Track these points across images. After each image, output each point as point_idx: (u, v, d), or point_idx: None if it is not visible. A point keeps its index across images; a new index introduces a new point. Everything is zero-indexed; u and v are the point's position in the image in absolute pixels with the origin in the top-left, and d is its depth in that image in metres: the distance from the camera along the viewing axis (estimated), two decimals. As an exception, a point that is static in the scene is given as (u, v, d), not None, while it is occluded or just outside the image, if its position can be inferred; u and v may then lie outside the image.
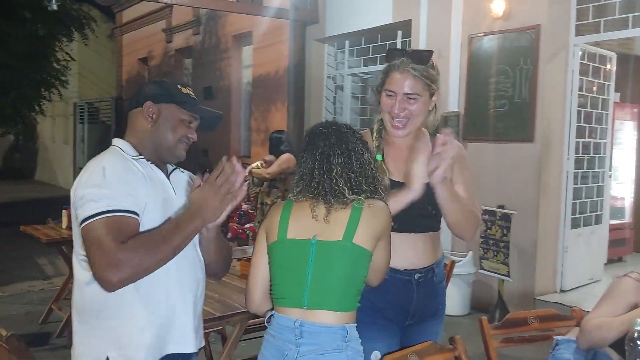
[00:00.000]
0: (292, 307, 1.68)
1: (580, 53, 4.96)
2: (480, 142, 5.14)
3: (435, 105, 1.99)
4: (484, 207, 4.86)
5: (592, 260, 5.39)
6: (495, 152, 5.05)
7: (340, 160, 1.74)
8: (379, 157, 1.95)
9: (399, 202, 1.84)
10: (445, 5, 5.40)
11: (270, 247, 1.74)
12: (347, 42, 7.01)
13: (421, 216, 1.94)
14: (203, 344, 1.80)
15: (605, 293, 2.17)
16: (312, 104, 7.25)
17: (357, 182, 1.73)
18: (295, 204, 1.75)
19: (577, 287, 5.14)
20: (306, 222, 1.70)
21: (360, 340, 1.74)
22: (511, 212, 4.74)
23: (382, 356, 1.86)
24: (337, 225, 1.68)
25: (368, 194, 1.73)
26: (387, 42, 6.41)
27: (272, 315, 1.73)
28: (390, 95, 1.93)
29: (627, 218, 6.52)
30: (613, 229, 6.02)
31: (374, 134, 2.01)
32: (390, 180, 1.92)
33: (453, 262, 3.22)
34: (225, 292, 2.90)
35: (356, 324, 1.74)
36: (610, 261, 5.93)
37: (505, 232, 4.77)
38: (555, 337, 2.26)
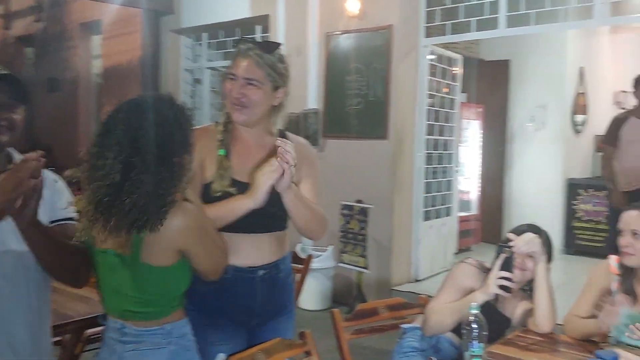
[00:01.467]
0: (112, 315, 1.62)
1: (430, 54, 5.21)
2: (339, 139, 5.22)
3: (281, 103, 1.91)
4: (343, 202, 4.95)
5: (444, 251, 5.71)
6: (353, 149, 5.15)
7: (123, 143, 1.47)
8: (222, 152, 1.84)
9: (238, 209, 1.75)
10: (302, 2, 5.41)
11: (92, 255, 1.62)
12: (204, 35, 6.81)
13: (266, 218, 1.85)
14: None
15: (445, 280, 2.24)
16: (169, 98, 6.93)
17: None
18: None
19: (430, 276, 5.40)
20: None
21: (189, 336, 1.66)
22: (368, 206, 4.86)
23: (227, 357, 1.76)
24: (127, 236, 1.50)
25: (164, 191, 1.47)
26: (246, 37, 6.30)
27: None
28: (231, 79, 1.83)
29: (474, 210, 7.00)
30: (461, 220, 6.42)
31: (220, 127, 1.90)
32: (233, 179, 1.82)
33: (310, 257, 3.19)
34: (61, 300, 2.61)
35: (184, 319, 1.66)
36: (460, 251, 6.31)
37: (363, 225, 4.88)
38: (403, 326, 2.30)
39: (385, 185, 4.99)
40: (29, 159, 1.42)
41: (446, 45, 5.45)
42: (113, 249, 1.53)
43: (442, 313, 2.08)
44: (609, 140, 4.88)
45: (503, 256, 2.00)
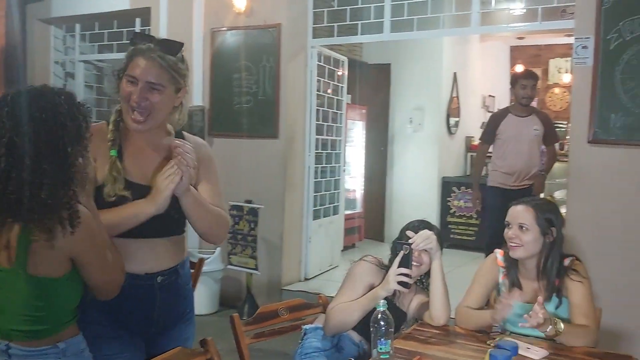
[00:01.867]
0: None
1: (318, 55, 5.27)
2: (226, 138, 5.11)
3: (182, 102, 1.82)
4: (232, 203, 4.85)
5: (331, 248, 5.80)
6: (242, 148, 5.07)
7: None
8: (114, 152, 1.70)
9: (138, 215, 1.64)
10: (187, -4, 5.24)
11: None
12: (77, 26, 6.36)
13: (163, 222, 1.74)
14: None
15: (345, 278, 2.26)
16: (38, 93, 6.39)
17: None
18: None
19: (319, 274, 5.46)
20: None
21: (86, 353, 1.53)
22: (258, 206, 4.81)
23: (124, 372, 1.64)
24: (6, 245, 1.37)
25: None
26: (125, 30, 5.99)
27: None
28: (131, 82, 1.70)
29: (359, 208, 7.20)
30: (347, 218, 6.57)
31: (110, 126, 1.76)
32: (127, 180, 1.69)
33: (202, 260, 3.07)
34: None
35: (79, 335, 1.53)
36: (345, 248, 6.45)
37: (253, 226, 4.82)
38: (304, 327, 2.29)
39: (276, 185, 4.96)
40: None
41: (331, 47, 5.54)
42: None
43: (344, 312, 2.09)
44: (486, 138, 4.84)
45: (402, 253, 2.05)
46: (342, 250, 6.20)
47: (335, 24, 5.09)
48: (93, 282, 1.49)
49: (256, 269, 4.79)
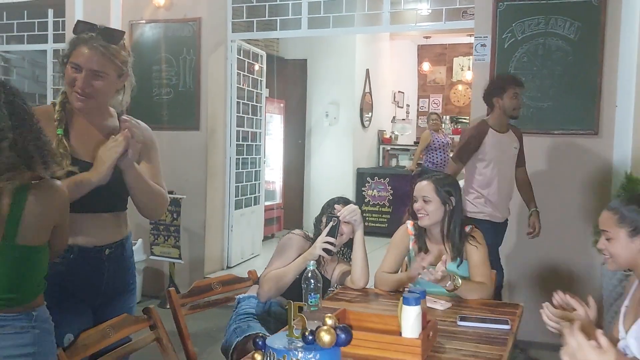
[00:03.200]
0: None
1: (237, 49, 5.41)
2: (147, 130, 5.13)
3: (124, 85, 1.95)
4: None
5: (253, 238, 5.97)
6: (164, 139, 5.05)
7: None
8: (60, 131, 1.81)
9: (83, 185, 1.76)
10: (103, -12, 5.22)
11: None
12: (-15, 16, 6.12)
13: (108, 196, 1.87)
14: None
15: (276, 249, 2.48)
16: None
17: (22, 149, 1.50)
18: None
19: (241, 263, 5.62)
20: None
21: (50, 320, 1.63)
22: (180, 196, 4.89)
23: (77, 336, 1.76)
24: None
25: (39, 166, 1.50)
26: (36, 20, 5.84)
27: None
28: (75, 69, 1.82)
29: (278, 199, 7.41)
30: (267, 209, 6.76)
31: (57, 107, 1.86)
32: (73, 158, 1.81)
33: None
34: None
35: (44, 304, 1.62)
36: (265, 238, 6.64)
37: (175, 216, 4.90)
38: (237, 296, 2.48)
39: (198, 176, 5.07)
40: None
41: (250, 42, 5.71)
42: None
43: (278, 276, 2.30)
44: (464, 158, 3.65)
45: (330, 224, 2.29)
46: (263, 240, 6.38)
47: (254, 19, 5.26)
48: (59, 247, 1.61)
49: (179, 258, 4.88)
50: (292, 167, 7.67)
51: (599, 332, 1.33)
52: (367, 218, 7.58)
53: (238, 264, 5.58)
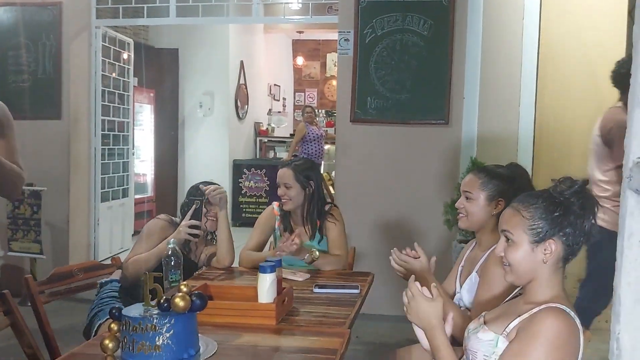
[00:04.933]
0: None
1: (102, 36, 5.21)
2: (2, 118, 4.81)
3: None
4: None
5: (122, 232, 5.80)
6: (21, 128, 4.78)
7: None
8: None
9: None
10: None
11: None
12: None
13: None
14: None
15: (141, 233, 2.48)
16: None
17: None
18: None
19: (109, 257, 5.41)
20: None
21: None
22: (41, 189, 4.64)
23: None
24: None
25: None
26: None
27: None
28: None
29: (150, 192, 7.24)
30: (138, 202, 6.59)
31: None
32: None
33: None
34: None
35: None
36: (136, 232, 6.47)
37: (35, 209, 4.65)
38: (99, 281, 2.45)
39: (60, 167, 4.83)
40: None
41: (117, 29, 5.52)
42: None
43: (141, 260, 2.30)
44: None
45: (194, 207, 2.34)
46: (133, 234, 6.22)
47: (120, 6, 5.10)
48: None
49: (41, 253, 4.64)
50: (164, 158, 7.52)
51: (433, 285, 1.53)
52: (243, 209, 7.65)
53: (106, 259, 5.39)
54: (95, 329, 2.18)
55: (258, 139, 8.77)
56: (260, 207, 7.67)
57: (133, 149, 6.07)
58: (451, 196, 3.96)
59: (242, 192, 7.70)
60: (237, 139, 8.03)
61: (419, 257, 1.95)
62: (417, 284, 1.50)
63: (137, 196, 6.58)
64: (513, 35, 4.23)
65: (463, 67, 4.32)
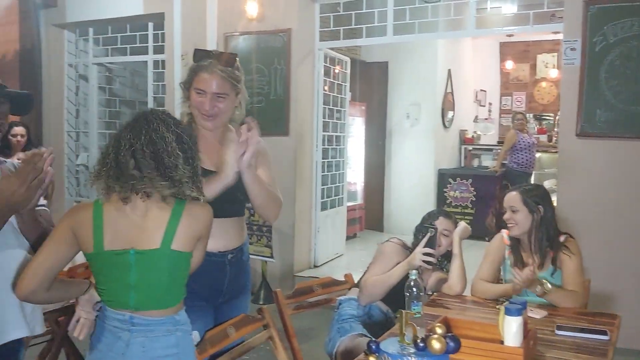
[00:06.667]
0: (120, 309, 1.69)
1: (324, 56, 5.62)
2: (240, 135, 5.44)
3: (240, 102, 2.18)
4: (247, 196, 5.18)
5: (337, 238, 6.18)
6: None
7: (151, 147, 1.67)
8: None
9: (212, 189, 1.98)
10: (199, 2, 5.56)
11: (88, 257, 1.69)
12: (91, 30, 6.65)
13: (230, 202, 2.09)
14: (41, 330, 1.83)
15: (375, 257, 2.63)
16: (52, 93, 6.70)
17: (175, 171, 1.68)
18: (105, 205, 1.67)
19: (326, 262, 5.84)
20: (122, 227, 1.65)
21: (189, 322, 1.81)
22: (272, 199, 5.15)
23: (203, 335, 1.99)
24: (155, 229, 1.66)
25: (189, 188, 1.70)
26: (138, 33, 6.30)
27: (102, 305, 1.72)
28: (200, 94, 2.07)
29: (359, 200, 7.58)
30: (349, 209, 6.94)
31: None
32: (202, 168, 2.04)
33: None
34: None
35: (184, 308, 1.79)
36: (347, 238, 6.83)
37: (267, 218, 5.17)
38: (339, 298, 2.66)
39: (288, 179, 5.32)
40: (41, 153, 1.58)
41: (334, 48, 5.90)
42: (133, 248, 1.65)
43: (379, 282, 2.46)
44: None
45: (428, 235, 2.42)
46: (346, 240, 6.57)
47: (341, 28, 5.44)
48: (198, 258, 1.80)
49: (272, 257, 5.15)
50: (372, 167, 7.80)
51: None
52: (448, 219, 7.59)
53: (324, 263, 5.80)
54: (337, 345, 2.38)
55: (463, 147, 8.63)
56: (465, 217, 7.53)
57: (347, 160, 6.42)
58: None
59: (447, 201, 7.65)
60: (443, 147, 8.01)
61: None
62: None
63: (349, 204, 6.94)
64: None
65: None
